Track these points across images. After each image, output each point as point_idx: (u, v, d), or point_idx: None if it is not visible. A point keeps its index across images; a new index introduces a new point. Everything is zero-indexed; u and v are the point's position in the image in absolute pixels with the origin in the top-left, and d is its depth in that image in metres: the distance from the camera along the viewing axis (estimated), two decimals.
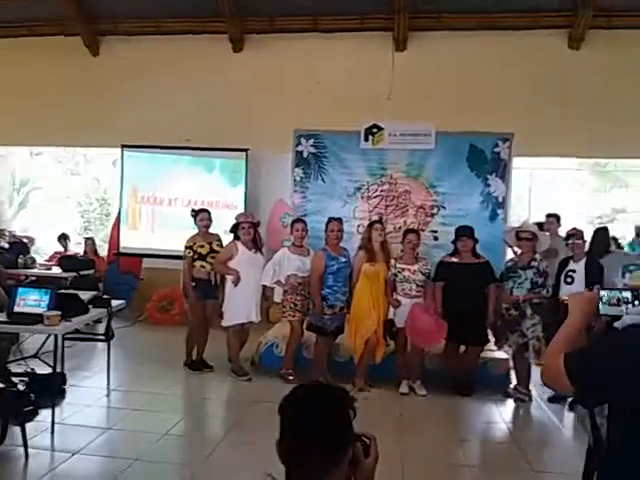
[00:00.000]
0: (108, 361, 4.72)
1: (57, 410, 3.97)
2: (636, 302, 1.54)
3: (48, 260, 7.38)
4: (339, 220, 5.10)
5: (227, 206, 7.20)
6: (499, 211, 6.92)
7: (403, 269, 4.88)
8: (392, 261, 4.92)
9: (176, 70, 7.62)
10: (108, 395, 4.57)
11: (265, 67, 7.54)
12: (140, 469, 3.37)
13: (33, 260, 6.89)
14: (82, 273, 6.59)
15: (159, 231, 7.41)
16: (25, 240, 7.46)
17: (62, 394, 4.40)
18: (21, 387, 4.22)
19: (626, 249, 6.66)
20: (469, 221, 6.16)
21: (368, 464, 1.47)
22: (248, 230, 5.15)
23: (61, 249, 7.54)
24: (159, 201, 7.38)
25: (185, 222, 7.21)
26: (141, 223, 7.41)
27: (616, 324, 2.03)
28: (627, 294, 1.54)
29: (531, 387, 4.78)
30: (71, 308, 4.00)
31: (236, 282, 5.03)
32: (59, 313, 3.80)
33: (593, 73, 6.86)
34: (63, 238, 7.55)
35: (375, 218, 5.93)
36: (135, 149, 7.37)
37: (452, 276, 4.81)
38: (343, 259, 4.99)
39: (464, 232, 4.86)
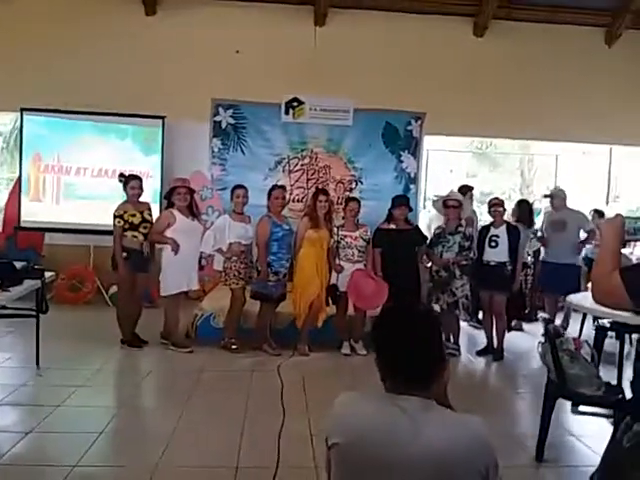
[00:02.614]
0: (37, 337, 4.30)
1: None
2: None
3: None
4: (283, 188, 5.16)
5: (142, 176, 6.81)
6: (411, 186, 7.36)
7: (345, 236, 5.06)
8: (334, 229, 5.08)
9: (81, 29, 6.98)
10: (41, 374, 4.20)
11: (181, 33, 7.19)
12: (108, 442, 3.20)
13: None
14: None
15: (65, 203, 6.82)
16: None
17: None
18: None
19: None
20: (384, 195, 6.51)
21: (445, 380, 1.60)
22: (184, 196, 4.99)
23: None
24: (65, 170, 6.78)
25: (96, 193, 6.79)
26: (45, 194, 6.76)
27: None
28: None
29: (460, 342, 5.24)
30: (6, 278, 3.62)
31: (176, 251, 4.86)
32: None
33: (494, 60, 7.51)
34: None
35: (320, 187, 6.18)
36: (37, 113, 6.67)
37: (389, 242, 5.08)
38: (286, 226, 5.05)
39: (402, 201, 5.15)
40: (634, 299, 1.54)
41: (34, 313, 4.22)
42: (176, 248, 4.84)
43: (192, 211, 5.10)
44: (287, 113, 7.15)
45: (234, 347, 4.97)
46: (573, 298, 3.98)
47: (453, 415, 1.45)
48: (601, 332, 3.81)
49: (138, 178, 5.12)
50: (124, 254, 4.90)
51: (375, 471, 1.35)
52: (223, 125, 7.11)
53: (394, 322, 1.50)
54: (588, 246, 6.29)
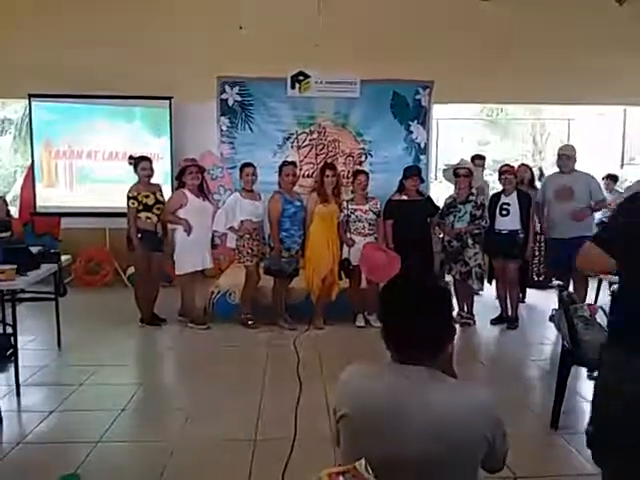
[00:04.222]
0: (57, 319, 4.41)
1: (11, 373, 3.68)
2: None
3: None
4: (293, 164, 5.16)
5: (152, 158, 6.84)
6: (422, 157, 7.27)
7: (355, 209, 5.06)
8: (344, 203, 5.08)
9: (83, 13, 6.91)
10: (62, 355, 4.32)
11: (182, 11, 7.12)
12: (130, 418, 3.29)
13: None
14: None
15: (79, 187, 6.89)
16: None
17: (10, 357, 4.07)
18: None
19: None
20: (394, 167, 6.49)
21: (450, 350, 1.60)
22: (196, 175, 5.01)
23: None
24: (77, 155, 6.83)
25: (108, 176, 6.84)
26: (58, 180, 6.83)
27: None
28: None
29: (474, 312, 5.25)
30: (23, 263, 3.68)
31: (188, 231, 4.91)
32: (15, 267, 3.50)
33: (501, 23, 7.30)
34: None
35: (328, 161, 6.10)
36: (44, 99, 6.71)
37: (401, 213, 5.06)
38: (298, 203, 5.05)
39: (413, 171, 5.13)
40: (606, 249, 1.62)
41: (53, 296, 4.31)
42: (189, 229, 4.89)
43: (203, 191, 5.13)
44: (293, 87, 7.08)
45: (250, 322, 5.04)
46: None
47: (457, 384, 1.47)
48: None
49: (148, 159, 5.15)
50: (138, 234, 4.97)
51: (382, 440, 1.37)
52: (230, 103, 7.07)
53: (398, 294, 1.50)
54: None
